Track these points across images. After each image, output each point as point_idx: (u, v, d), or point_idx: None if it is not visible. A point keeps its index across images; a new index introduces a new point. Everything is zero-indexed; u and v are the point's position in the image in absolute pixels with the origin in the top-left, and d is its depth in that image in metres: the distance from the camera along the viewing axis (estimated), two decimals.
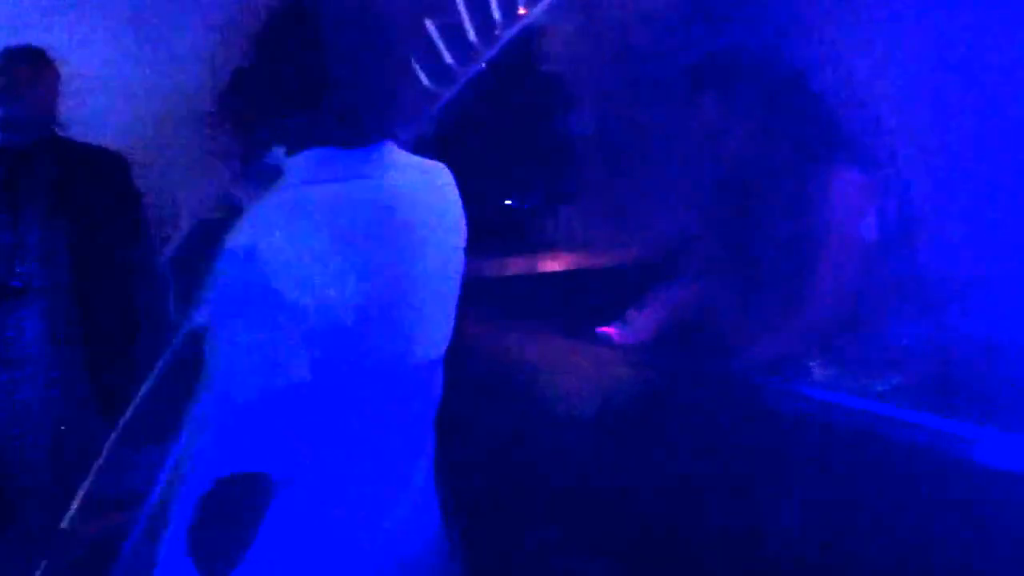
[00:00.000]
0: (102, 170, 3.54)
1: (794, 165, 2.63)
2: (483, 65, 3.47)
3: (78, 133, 3.57)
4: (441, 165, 1.84)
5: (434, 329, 1.77)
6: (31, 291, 3.37)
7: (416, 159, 1.80)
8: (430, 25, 3.59)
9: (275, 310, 1.54)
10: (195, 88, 3.89)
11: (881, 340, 2.63)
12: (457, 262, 1.83)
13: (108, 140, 3.64)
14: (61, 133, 3.52)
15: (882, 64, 2.83)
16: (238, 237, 1.59)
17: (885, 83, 2.79)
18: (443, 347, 1.79)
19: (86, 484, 2.83)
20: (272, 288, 1.53)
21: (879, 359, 2.62)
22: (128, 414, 2.85)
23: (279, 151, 1.77)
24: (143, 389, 2.85)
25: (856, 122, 2.65)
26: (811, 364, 2.67)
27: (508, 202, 3.89)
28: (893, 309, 2.64)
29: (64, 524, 2.76)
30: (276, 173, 1.71)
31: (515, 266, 3.63)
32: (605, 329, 2.91)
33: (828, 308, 2.60)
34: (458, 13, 3.59)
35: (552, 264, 3.70)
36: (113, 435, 2.87)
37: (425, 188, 1.78)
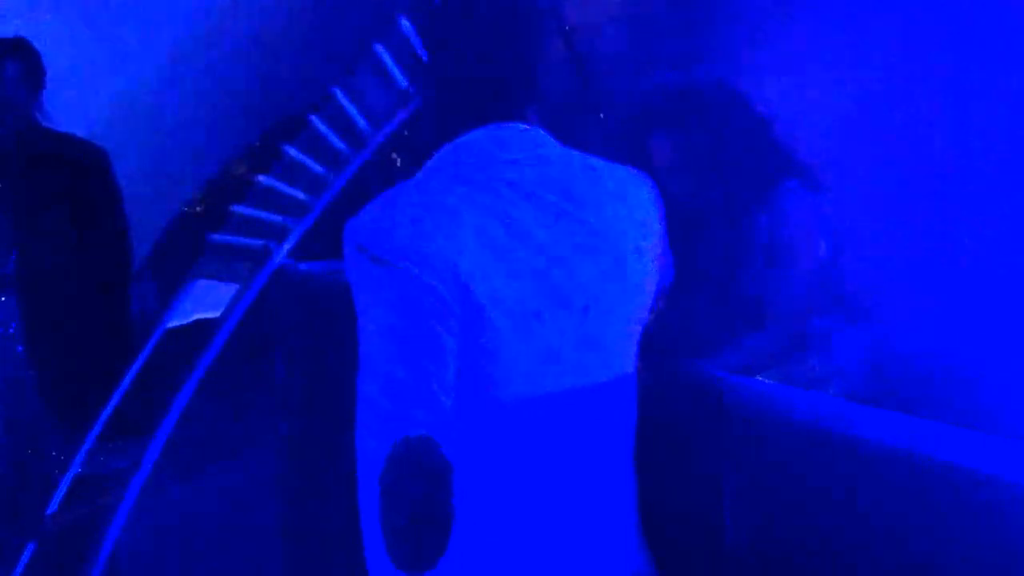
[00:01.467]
0: (83, 161, 3.57)
1: (746, 191, 2.72)
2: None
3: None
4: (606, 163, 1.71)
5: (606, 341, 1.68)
6: (9, 280, 3.42)
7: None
8: (404, 24, 3.65)
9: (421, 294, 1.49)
10: (153, 85, 3.93)
11: (823, 350, 2.73)
12: (639, 263, 1.70)
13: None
14: (44, 123, 3.55)
15: (812, 87, 2.93)
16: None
17: (817, 106, 2.89)
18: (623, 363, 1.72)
19: (70, 471, 2.91)
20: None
21: (821, 368, 2.72)
22: (109, 406, 2.93)
23: None
24: (123, 382, 2.93)
25: (798, 145, 2.75)
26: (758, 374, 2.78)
27: None
28: (834, 320, 2.74)
29: (49, 510, 2.85)
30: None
31: None
32: None
33: (787, 323, 2.69)
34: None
35: None
36: (96, 425, 2.95)
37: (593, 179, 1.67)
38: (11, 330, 3.40)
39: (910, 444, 2.06)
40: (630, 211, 1.69)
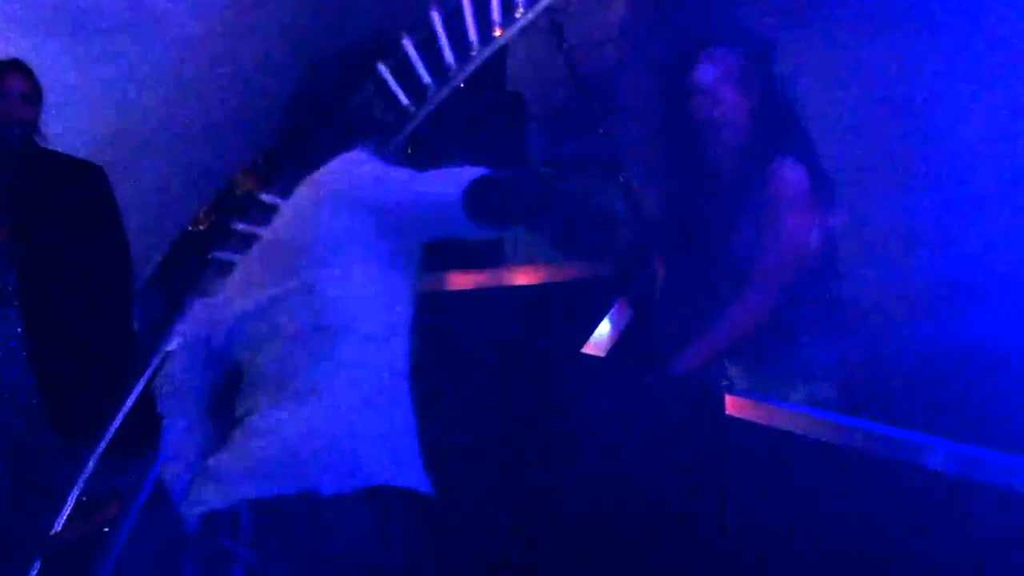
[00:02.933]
0: (81, 181, 3.58)
1: (756, 153, 2.70)
2: (460, 85, 3.55)
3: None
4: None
5: None
6: (10, 296, 3.42)
7: None
8: (407, 44, 3.67)
9: None
10: (158, 104, 3.93)
11: (796, 351, 2.72)
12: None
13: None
14: (41, 144, 3.57)
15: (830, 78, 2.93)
16: None
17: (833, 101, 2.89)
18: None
19: (75, 488, 2.90)
20: None
21: (792, 369, 2.71)
22: (113, 427, 2.92)
23: None
24: (128, 400, 2.92)
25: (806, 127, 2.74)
26: (731, 372, 2.77)
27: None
28: (809, 322, 2.73)
29: (55, 529, 2.84)
30: None
31: (487, 279, 3.72)
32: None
33: (758, 309, 2.67)
34: (435, 33, 3.66)
35: (523, 277, 3.79)
36: (101, 443, 2.94)
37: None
38: (12, 345, 3.40)
39: (903, 455, 2.09)
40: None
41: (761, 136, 2.70)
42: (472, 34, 3.56)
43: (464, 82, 3.54)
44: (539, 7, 3.46)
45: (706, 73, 2.72)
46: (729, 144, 2.74)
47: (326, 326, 2.12)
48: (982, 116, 2.89)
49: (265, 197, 3.43)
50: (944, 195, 2.98)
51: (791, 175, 2.65)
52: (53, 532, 2.87)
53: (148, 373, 3.15)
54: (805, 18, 3.14)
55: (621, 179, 3.20)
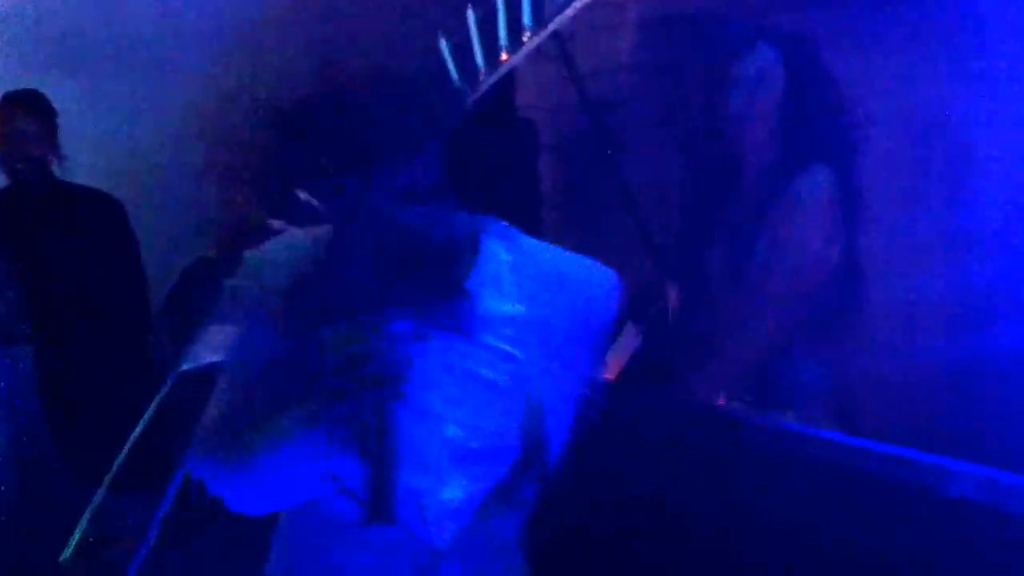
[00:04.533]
0: (99, 214, 3.58)
1: (784, 163, 2.66)
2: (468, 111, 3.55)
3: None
4: None
5: None
6: (26, 335, 3.42)
7: None
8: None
9: None
10: (168, 138, 3.95)
11: (781, 372, 2.70)
12: None
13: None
14: (61, 176, 3.56)
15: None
16: None
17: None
18: None
19: (81, 524, 2.88)
20: None
21: (795, 391, 2.69)
22: (121, 457, 2.91)
23: None
24: (135, 432, 2.90)
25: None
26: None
27: None
28: (808, 343, 2.70)
29: (62, 562, 2.82)
30: None
31: None
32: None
33: (769, 328, 2.64)
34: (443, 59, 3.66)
35: None
36: (107, 478, 2.92)
37: None
38: (29, 383, 3.40)
39: (928, 481, 2.08)
40: None
41: (791, 143, 2.66)
42: (479, 59, 3.56)
43: (474, 110, 3.54)
44: (548, 31, 3.46)
45: (746, 67, 2.65)
46: (759, 146, 2.69)
47: None
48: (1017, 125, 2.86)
49: (274, 223, 3.42)
50: (982, 205, 2.96)
51: (812, 186, 2.62)
52: (62, 562, 2.85)
53: (157, 400, 3.13)
54: (846, 28, 3.11)
55: (633, 208, 3.19)
